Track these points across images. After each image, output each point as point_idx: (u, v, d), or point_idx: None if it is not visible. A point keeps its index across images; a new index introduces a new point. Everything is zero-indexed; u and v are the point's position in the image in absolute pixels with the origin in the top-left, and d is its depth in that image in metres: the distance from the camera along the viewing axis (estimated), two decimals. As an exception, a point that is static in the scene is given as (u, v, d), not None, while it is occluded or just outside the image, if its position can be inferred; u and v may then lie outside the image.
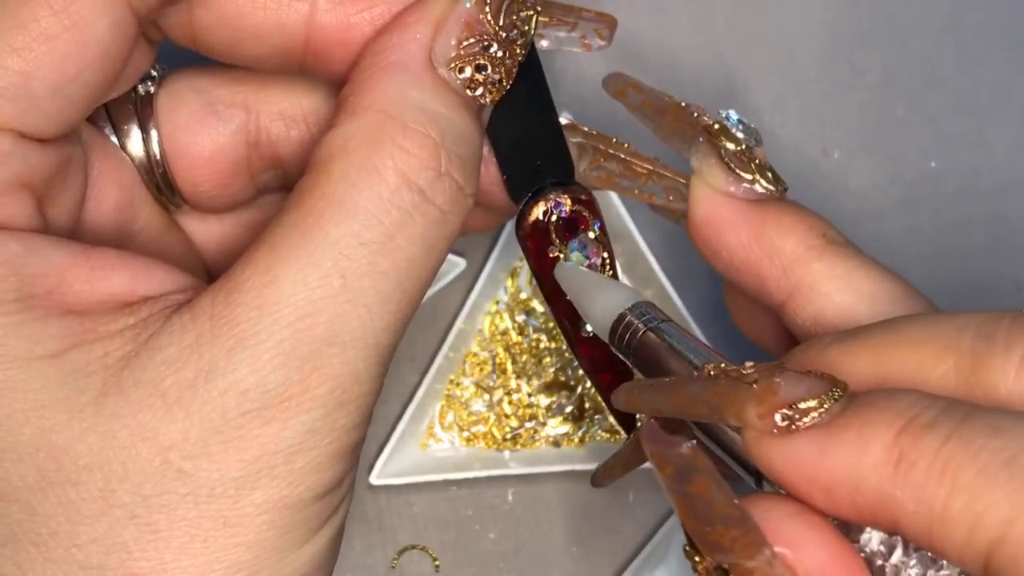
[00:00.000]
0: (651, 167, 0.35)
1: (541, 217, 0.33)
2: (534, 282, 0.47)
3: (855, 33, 0.48)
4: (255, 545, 0.27)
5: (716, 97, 0.48)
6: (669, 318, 0.31)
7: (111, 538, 0.26)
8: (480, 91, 0.29)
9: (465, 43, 0.29)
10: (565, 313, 0.35)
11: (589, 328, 0.34)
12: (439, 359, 0.46)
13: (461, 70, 0.29)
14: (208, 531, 0.27)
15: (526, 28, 0.30)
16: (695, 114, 0.33)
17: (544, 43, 0.32)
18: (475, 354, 0.47)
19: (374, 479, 0.45)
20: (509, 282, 0.47)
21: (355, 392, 0.28)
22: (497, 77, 0.29)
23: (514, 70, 0.30)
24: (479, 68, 0.29)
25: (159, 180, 0.33)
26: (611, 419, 0.47)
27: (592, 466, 0.46)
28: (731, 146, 0.32)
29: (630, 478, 0.47)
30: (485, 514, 0.46)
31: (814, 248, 0.31)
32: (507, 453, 0.46)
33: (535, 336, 0.47)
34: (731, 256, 0.32)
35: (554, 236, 0.33)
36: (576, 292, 0.33)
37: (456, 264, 0.46)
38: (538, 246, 0.33)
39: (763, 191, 0.32)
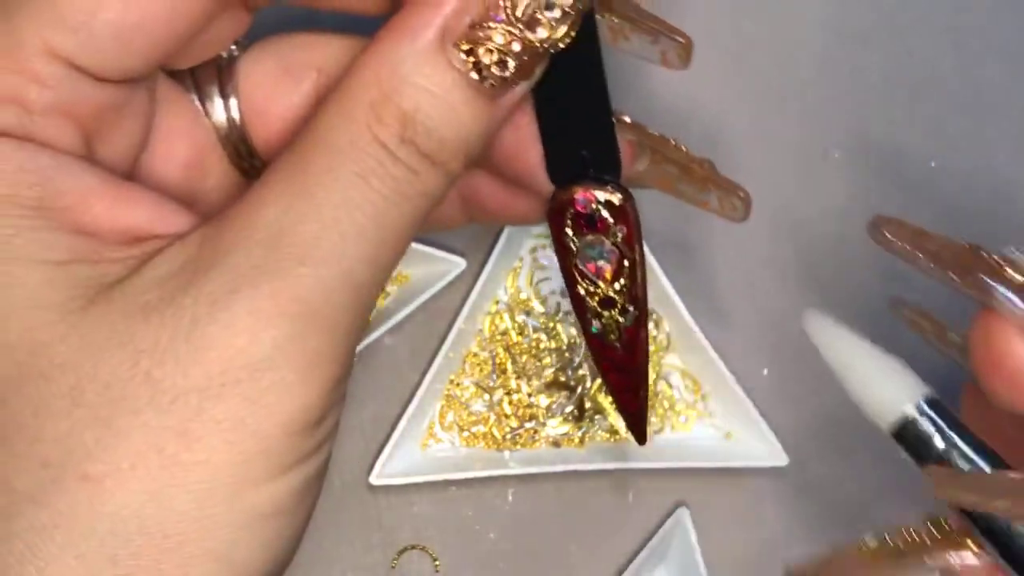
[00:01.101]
0: (707, 173, 0.35)
1: (562, 203, 0.33)
2: (534, 282, 0.47)
3: (855, 33, 0.48)
4: (211, 465, 0.27)
5: (716, 97, 0.48)
6: (956, 417, 0.30)
7: (73, 437, 0.27)
8: (488, 76, 0.29)
9: (480, 26, 0.29)
10: (577, 305, 0.35)
11: (597, 325, 0.35)
12: (439, 359, 0.46)
13: (469, 52, 0.29)
14: (167, 441, 0.27)
15: (558, 26, 0.29)
16: (983, 253, 0.32)
17: (625, 45, 0.32)
18: (475, 354, 0.47)
19: (374, 479, 0.45)
20: (509, 282, 0.47)
21: (327, 317, 0.28)
22: (507, 69, 0.29)
23: (537, 64, 0.30)
24: (488, 53, 0.29)
25: (237, 142, 0.34)
26: (611, 419, 0.47)
27: (592, 466, 0.46)
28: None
29: (630, 478, 0.47)
30: (485, 514, 0.46)
31: None
32: (507, 453, 0.46)
33: (535, 336, 0.47)
34: None
35: (568, 227, 0.33)
36: (840, 363, 0.32)
37: (456, 264, 0.46)
38: (557, 229, 0.34)
39: None
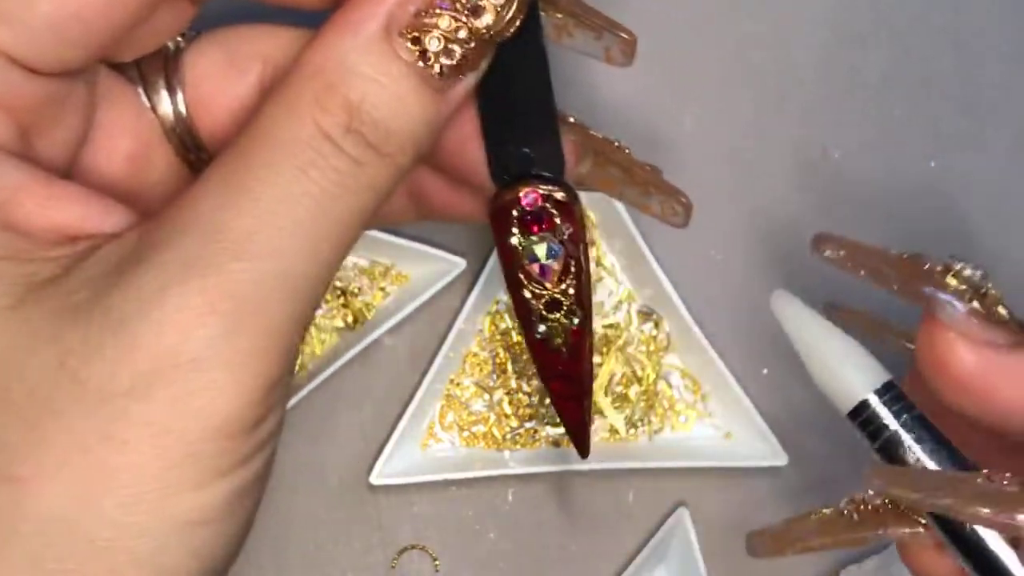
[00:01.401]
0: (649, 177, 0.34)
1: (507, 202, 0.32)
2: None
3: (855, 33, 0.48)
4: (137, 470, 0.26)
5: (716, 97, 0.48)
6: (914, 406, 0.31)
7: (1, 437, 0.26)
8: (435, 66, 0.28)
9: (426, 14, 0.28)
10: (522, 308, 0.34)
11: (542, 329, 0.34)
12: (439, 359, 0.46)
13: (415, 41, 0.28)
14: (92, 443, 0.26)
15: (503, 13, 0.29)
16: (926, 265, 0.32)
17: (569, 42, 0.32)
18: (475, 354, 0.47)
19: (374, 479, 0.45)
20: (509, 282, 0.47)
21: (262, 315, 0.27)
22: (454, 57, 0.29)
23: (484, 53, 0.29)
24: (434, 41, 0.28)
25: (183, 135, 0.33)
26: (611, 419, 0.47)
27: (592, 466, 0.46)
28: (964, 288, 0.32)
29: (630, 478, 0.47)
30: (485, 514, 0.46)
31: None
32: (507, 453, 0.46)
33: (535, 336, 0.47)
34: (1007, 411, 0.31)
35: (514, 226, 0.33)
36: (803, 343, 0.32)
37: (456, 264, 0.46)
38: (500, 230, 0.33)
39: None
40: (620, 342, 0.47)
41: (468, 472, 0.46)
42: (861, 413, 0.32)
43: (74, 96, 0.31)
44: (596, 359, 0.47)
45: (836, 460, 0.47)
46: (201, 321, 0.26)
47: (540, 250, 0.33)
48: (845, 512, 0.33)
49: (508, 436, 0.46)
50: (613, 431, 0.47)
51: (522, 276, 0.33)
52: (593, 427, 0.47)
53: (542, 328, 0.34)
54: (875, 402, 0.31)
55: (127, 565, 0.27)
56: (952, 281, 0.32)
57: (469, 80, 0.30)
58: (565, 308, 0.34)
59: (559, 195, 0.32)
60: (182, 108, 0.33)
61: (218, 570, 0.29)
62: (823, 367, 0.32)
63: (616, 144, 0.34)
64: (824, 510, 0.33)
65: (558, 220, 0.33)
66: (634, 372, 0.47)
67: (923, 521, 0.32)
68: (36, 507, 0.26)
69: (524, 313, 0.34)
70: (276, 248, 0.27)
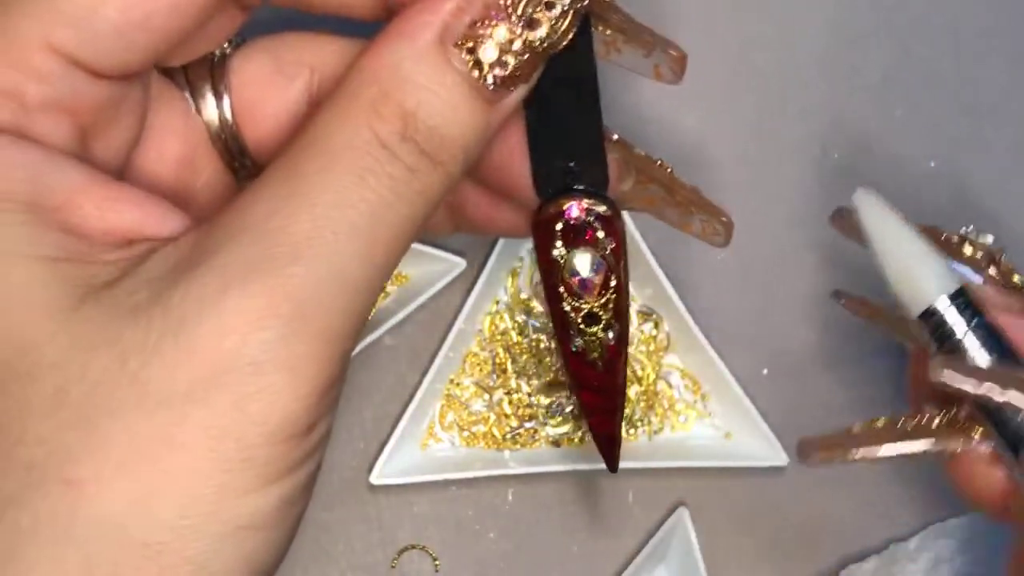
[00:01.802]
0: (691, 196, 0.34)
1: (551, 215, 0.33)
2: (534, 281, 0.47)
3: (855, 33, 0.48)
4: (194, 474, 0.26)
5: (718, 98, 0.48)
6: (980, 311, 0.32)
7: (56, 439, 0.26)
8: (488, 76, 0.29)
9: (481, 24, 0.29)
10: (559, 321, 0.34)
11: (579, 343, 0.34)
12: (439, 359, 0.46)
13: (469, 51, 0.29)
14: (151, 446, 0.26)
15: (557, 25, 0.29)
16: (943, 234, 0.34)
17: (617, 58, 0.32)
18: (475, 354, 0.47)
19: (374, 479, 0.45)
20: (509, 282, 0.47)
21: (319, 319, 0.27)
22: (507, 68, 0.29)
23: (536, 65, 0.30)
24: (488, 52, 0.29)
25: (228, 140, 0.33)
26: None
27: (592, 466, 0.46)
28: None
29: (630, 478, 0.47)
30: (485, 514, 0.46)
31: None
32: (507, 453, 0.46)
33: (535, 336, 0.47)
34: None
35: (557, 239, 0.33)
36: (880, 242, 0.33)
37: (456, 264, 0.46)
38: (542, 243, 0.33)
39: None
40: (620, 342, 0.47)
41: (468, 472, 0.45)
42: (931, 316, 0.32)
43: (131, 99, 0.31)
44: (596, 359, 0.47)
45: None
46: (261, 324, 0.26)
47: (582, 263, 0.33)
48: (900, 423, 0.33)
49: (508, 436, 0.46)
50: (613, 431, 0.47)
51: (562, 289, 0.34)
52: (593, 427, 0.47)
53: (579, 341, 0.34)
54: (945, 306, 0.32)
55: (179, 570, 0.27)
56: (968, 249, 0.33)
57: (520, 92, 0.30)
58: (603, 322, 0.34)
59: (602, 210, 0.33)
60: (228, 114, 0.33)
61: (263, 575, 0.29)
62: (898, 268, 0.32)
63: (658, 163, 0.34)
64: (878, 421, 0.34)
65: (601, 234, 0.33)
66: (634, 372, 0.47)
67: (976, 436, 0.32)
68: (92, 510, 0.26)
69: (562, 326, 0.34)
70: (333, 252, 0.27)
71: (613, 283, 0.34)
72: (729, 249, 0.47)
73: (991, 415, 0.32)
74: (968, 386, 0.31)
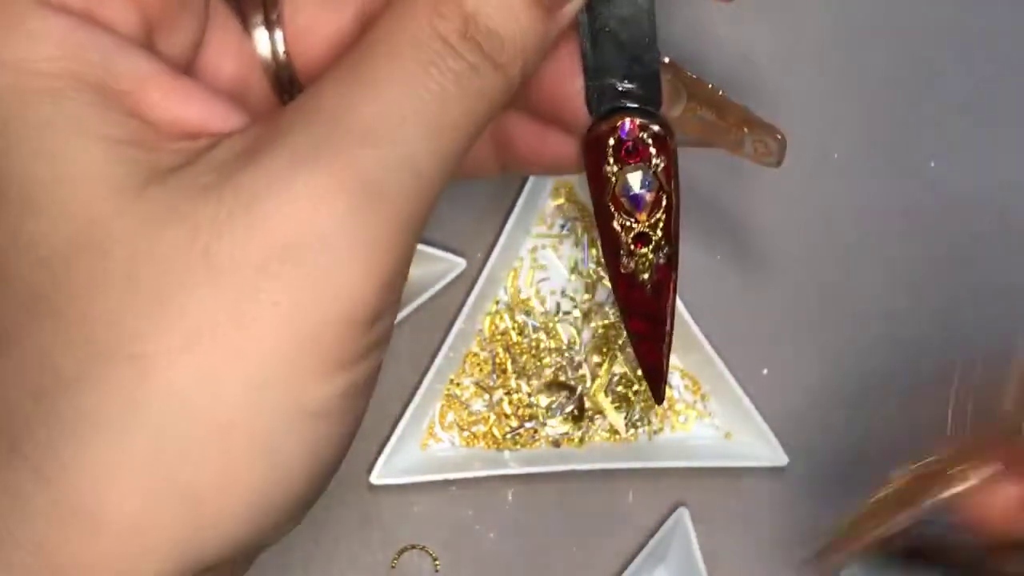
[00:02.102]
0: (743, 115, 0.35)
1: (604, 132, 0.33)
2: (534, 282, 0.47)
3: (855, 33, 0.48)
4: (264, 351, 0.26)
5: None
6: None
7: (123, 315, 0.26)
8: None
9: None
10: (609, 242, 0.34)
11: (629, 264, 0.34)
12: (439, 359, 0.46)
13: None
14: (221, 321, 0.26)
15: None
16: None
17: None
18: (475, 354, 0.47)
19: (374, 479, 0.45)
20: (509, 282, 0.47)
21: (387, 199, 0.27)
22: None
23: None
24: None
25: (279, 70, 0.33)
26: (611, 419, 0.47)
27: (592, 466, 0.46)
28: None
29: (630, 478, 0.47)
30: (485, 514, 0.46)
31: None
32: (507, 453, 0.46)
33: (535, 336, 0.47)
34: None
35: (610, 155, 0.33)
36: None
37: (456, 264, 0.46)
38: (594, 162, 0.33)
39: None
40: (620, 342, 0.47)
41: (468, 472, 0.46)
42: None
43: (194, 3, 0.31)
44: (596, 358, 0.47)
45: (836, 460, 0.47)
46: (330, 199, 0.26)
47: (634, 179, 0.33)
48: (879, 499, 0.33)
49: (508, 436, 0.46)
50: (613, 431, 0.47)
51: (612, 206, 0.34)
52: (593, 428, 0.47)
53: (629, 263, 0.34)
54: None
55: (243, 450, 0.26)
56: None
57: (576, 2, 0.30)
58: (653, 243, 0.34)
59: (656, 128, 0.33)
60: (279, 45, 0.33)
61: (325, 473, 0.29)
62: None
63: (710, 86, 0.35)
64: (869, 500, 0.34)
65: (653, 151, 0.33)
66: (634, 372, 0.47)
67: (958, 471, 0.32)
68: (159, 386, 0.26)
69: (611, 246, 0.34)
70: (401, 136, 0.27)
71: (664, 203, 0.34)
72: (729, 249, 0.48)
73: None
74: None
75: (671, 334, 0.36)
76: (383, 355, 0.29)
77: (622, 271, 0.34)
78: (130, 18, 0.29)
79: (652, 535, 0.46)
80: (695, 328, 0.46)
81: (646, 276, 0.35)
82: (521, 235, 0.47)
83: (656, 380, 0.37)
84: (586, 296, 0.47)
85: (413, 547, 0.46)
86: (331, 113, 0.27)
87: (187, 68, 0.32)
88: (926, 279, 0.48)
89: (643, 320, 0.35)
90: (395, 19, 0.29)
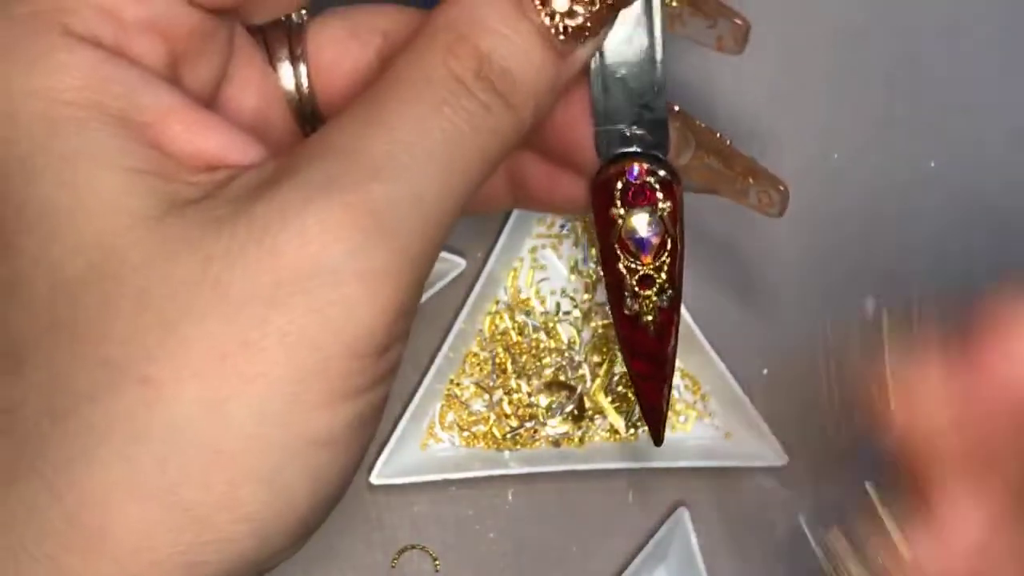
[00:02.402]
0: (749, 166, 0.36)
1: (611, 175, 0.34)
2: (534, 282, 0.47)
3: (855, 33, 0.48)
4: (271, 380, 0.27)
5: (716, 97, 0.48)
6: None
7: (137, 339, 0.27)
8: (559, 25, 0.30)
9: None
10: (614, 284, 0.35)
11: (632, 306, 0.35)
12: (439, 359, 0.46)
13: (543, 2, 0.30)
14: (230, 349, 0.26)
15: None
16: None
17: (682, 30, 0.33)
18: (475, 354, 0.47)
19: (374, 479, 0.45)
20: (509, 282, 0.47)
21: (397, 237, 0.28)
22: (576, 18, 0.30)
23: (605, 20, 0.31)
24: (560, 3, 0.30)
25: (302, 104, 0.34)
26: (611, 419, 0.47)
27: (592, 466, 0.46)
28: None
29: (630, 478, 0.47)
30: (485, 514, 0.46)
31: None
32: (507, 453, 0.46)
33: (535, 336, 0.47)
34: None
35: (617, 198, 0.34)
36: None
37: (456, 264, 0.46)
38: (602, 204, 0.34)
39: None
40: (620, 342, 0.47)
41: (468, 472, 0.46)
42: None
43: (219, 36, 0.32)
44: (596, 358, 0.47)
45: (836, 460, 0.47)
46: (342, 234, 0.27)
47: (640, 223, 0.34)
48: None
49: (508, 436, 0.46)
50: (613, 431, 0.47)
51: (618, 248, 0.34)
52: (593, 428, 0.47)
53: (632, 305, 0.35)
54: None
55: (247, 478, 0.27)
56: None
57: (589, 47, 0.31)
58: (657, 286, 0.35)
59: (662, 173, 0.34)
60: (304, 79, 0.34)
61: (329, 500, 0.29)
62: None
63: (718, 135, 0.35)
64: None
65: (660, 196, 0.34)
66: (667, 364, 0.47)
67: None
68: (167, 411, 0.26)
69: (616, 288, 0.35)
70: (412, 173, 0.28)
71: (669, 246, 0.34)
72: (729, 249, 0.48)
73: None
74: None
75: (671, 377, 0.37)
76: (391, 386, 0.30)
77: (626, 312, 0.35)
78: (157, 51, 0.30)
79: (652, 535, 0.46)
80: (695, 328, 0.46)
81: (649, 318, 0.35)
82: (521, 235, 0.47)
83: (656, 420, 0.38)
84: (586, 296, 0.47)
85: (413, 547, 0.46)
86: (345, 149, 0.28)
87: (211, 100, 0.32)
88: (926, 279, 0.48)
89: (645, 361, 0.36)
90: (411, 58, 0.29)
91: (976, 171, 0.48)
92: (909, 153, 0.48)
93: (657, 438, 0.38)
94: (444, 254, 0.46)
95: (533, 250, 0.47)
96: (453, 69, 0.29)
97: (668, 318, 0.36)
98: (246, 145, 0.30)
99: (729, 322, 0.47)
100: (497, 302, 0.47)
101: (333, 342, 0.27)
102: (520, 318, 0.47)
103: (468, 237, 0.47)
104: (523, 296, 0.47)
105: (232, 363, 0.27)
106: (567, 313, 0.47)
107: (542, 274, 0.47)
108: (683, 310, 0.46)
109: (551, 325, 0.47)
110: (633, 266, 0.35)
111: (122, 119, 0.28)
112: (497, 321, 0.47)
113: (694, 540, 0.45)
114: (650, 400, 0.38)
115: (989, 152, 0.49)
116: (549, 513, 0.46)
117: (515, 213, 0.46)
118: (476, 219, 0.47)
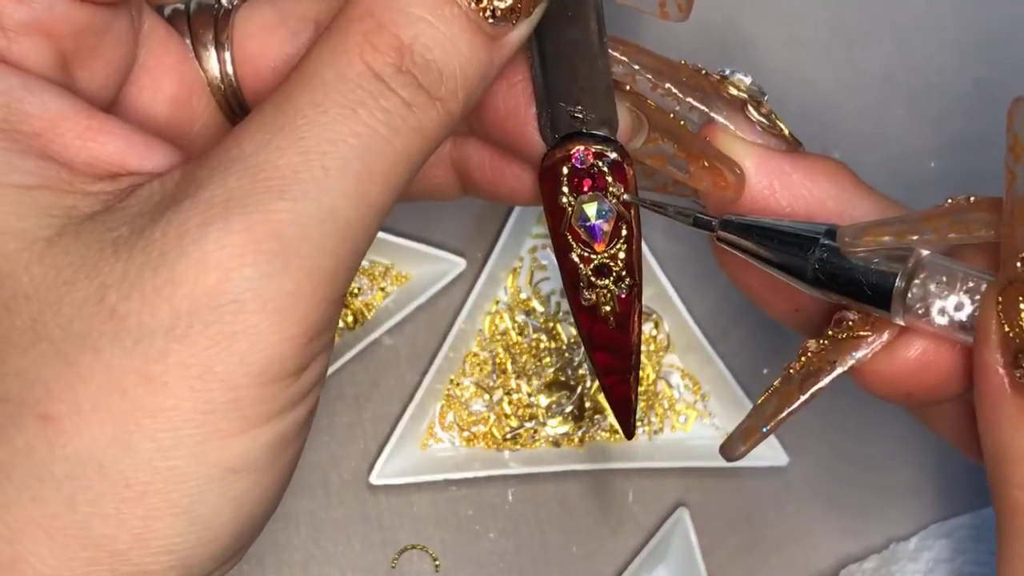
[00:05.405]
0: (703, 148, 0.33)
1: (557, 160, 0.32)
2: (534, 282, 0.47)
3: (855, 33, 0.48)
4: (177, 413, 0.25)
5: (716, 97, 0.48)
6: None
7: (33, 372, 0.26)
8: (488, 8, 0.28)
9: None
10: (568, 274, 0.33)
11: (589, 296, 0.33)
12: (439, 359, 0.46)
13: None
14: (130, 383, 0.25)
15: None
16: (704, 72, 0.33)
17: None
18: (475, 354, 0.47)
19: (374, 479, 0.45)
20: (509, 282, 0.47)
21: (306, 257, 0.26)
22: (507, 0, 0.28)
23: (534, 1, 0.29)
24: None
25: (228, 93, 0.33)
26: (611, 419, 0.47)
27: (592, 466, 0.46)
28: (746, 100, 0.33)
29: (630, 478, 0.47)
30: (485, 514, 0.46)
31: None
32: (507, 453, 0.46)
33: (535, 336, 0.47)
34: (793, 206, 0.33)
35: (564, 185, 0.32)
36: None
37: (456, 264, 0.46)
38: (550, 192, 0.32)
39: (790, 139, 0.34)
40: (620, 342, 0.47)
41: (468, 472, 0.46)
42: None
43: (116, 29, 0.30)
44: (596, 359, 0.47)
45: (836, 460, 0.47)
46: (243, 260, 0.25)
47: (590, 209, 0.32)
48: (792, 372, 0.32)
49: (508, 436, 0.46)
50: (613, 431, 0.47)
51: (570, 237, 0.32)
52: (593, 428, 0.47)
53: (589, 295, 0.33)
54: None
55: (163, 511, 0.26)
56: (732, 90, 0.33)
57: (522, 28, 0.29)
58: (614, 274, 0.33)
59: (611, 154, 0.32)
60: (229, 66, 0.32)
61: (256, 523, 0.28)
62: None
63: (671, 116, 0.33)
64: (774, 384, 0.33)
65: (610, 179, 0.32)
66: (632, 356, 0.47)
67: (865, 333, 0.32)
68: (70, 447, 0.25)
69: (570, 279, 0.33)
70: (323, 188, 0.26)
71: (624, 232, 0.32)
72: (729, 249, 0.48)
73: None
74: (888, 235, 0.31)
75: (637, 367, 0.35)
76: (315, 400, 0.28)
77: (583, 303, 0.33)
78: (43, 54, 0.28)
79: (652, 535, 0.46)
80: (695, 328, 0.46)
81: (608, 308, 0.33)
82: (521, 235, 0.47)
83: (625, 414, 0.35)
84: (586, 296, 0.47)
85: (413, 547, 0.46)
86: (249, 162, 0.26)
87: (113, 100, 0.31)
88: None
89: (608, 354, 0.34)
90: (324, 52, 0.27)
91: (976, 171, 0.48)
92: (909, 153, 0.48)
93: (628, 431, 0.35)
94: (444, 254, 0.46)
95: (533, 250, 0.47)
96: (371, 64, 0.27)
97: (627, 307, 0.33)
98: (148, 148, 0.28)
99: (729, 322, 0.47)
100: (497, 302, 0.47)
101: (241, 374, 0.26)
102: (520, 318, 0.47)
103: (468, 237, 0.47)
104: (523, 296, 0.47)
105: (133, 397, 0.25)
106: (567, 313, 0.47)
107: (542, 274, 0.47)
108: (683, 311, 0.46)
109: (551, 325, 0.47)
110: (587, 255, 0.32)
111: (5, 131, 0.27)
112: (497, 321, 0.47)
113: (694, 540, 0.45)
114: (616, 393, 0.35)
115: (989, 152, 0.49)
116: (549, 513, 0.46)
117: (515, 214, 0.46)
118: (476, 219, 0.47)
